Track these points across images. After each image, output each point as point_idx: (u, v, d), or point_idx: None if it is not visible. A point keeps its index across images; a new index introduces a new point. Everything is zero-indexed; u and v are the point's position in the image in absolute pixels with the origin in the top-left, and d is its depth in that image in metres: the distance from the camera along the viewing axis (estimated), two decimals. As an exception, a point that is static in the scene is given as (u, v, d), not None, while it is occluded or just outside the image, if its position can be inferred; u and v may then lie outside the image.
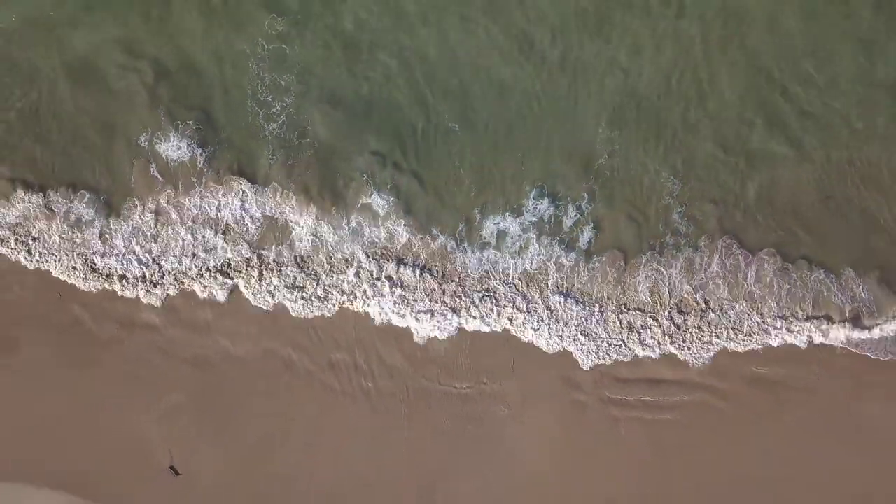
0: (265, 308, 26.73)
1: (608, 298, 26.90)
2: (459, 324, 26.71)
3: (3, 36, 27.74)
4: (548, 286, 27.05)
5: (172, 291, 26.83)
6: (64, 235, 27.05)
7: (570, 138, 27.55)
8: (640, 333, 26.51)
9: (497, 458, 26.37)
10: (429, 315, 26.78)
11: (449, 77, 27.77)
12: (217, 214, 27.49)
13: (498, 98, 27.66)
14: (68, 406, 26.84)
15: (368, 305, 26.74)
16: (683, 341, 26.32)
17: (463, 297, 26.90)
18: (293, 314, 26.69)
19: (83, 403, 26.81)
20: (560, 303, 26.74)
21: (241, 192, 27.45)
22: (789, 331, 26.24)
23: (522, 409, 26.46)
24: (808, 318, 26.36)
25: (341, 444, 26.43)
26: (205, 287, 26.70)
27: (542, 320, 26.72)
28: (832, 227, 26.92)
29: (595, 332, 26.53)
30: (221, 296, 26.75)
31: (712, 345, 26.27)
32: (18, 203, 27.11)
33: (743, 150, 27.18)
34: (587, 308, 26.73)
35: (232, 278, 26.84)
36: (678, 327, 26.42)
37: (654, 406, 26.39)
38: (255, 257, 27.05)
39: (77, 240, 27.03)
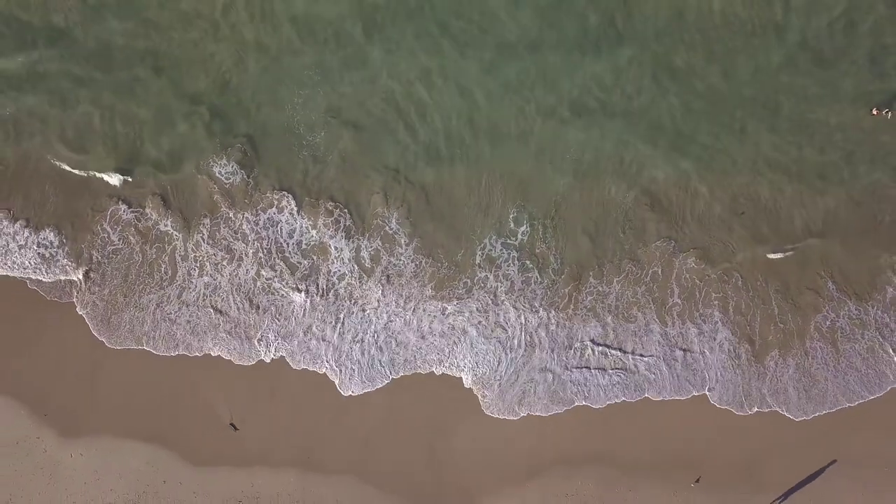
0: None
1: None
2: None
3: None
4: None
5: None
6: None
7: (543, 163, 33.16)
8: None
9: (481, 414, 32.43)
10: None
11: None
12: (264, 232, 32.81)
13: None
14: (155, 378, 32.15)
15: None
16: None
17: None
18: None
19: (165, 375, 32.18)
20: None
21: (285, 207, 32.67)
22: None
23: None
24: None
25: (364, 410, 32.25)
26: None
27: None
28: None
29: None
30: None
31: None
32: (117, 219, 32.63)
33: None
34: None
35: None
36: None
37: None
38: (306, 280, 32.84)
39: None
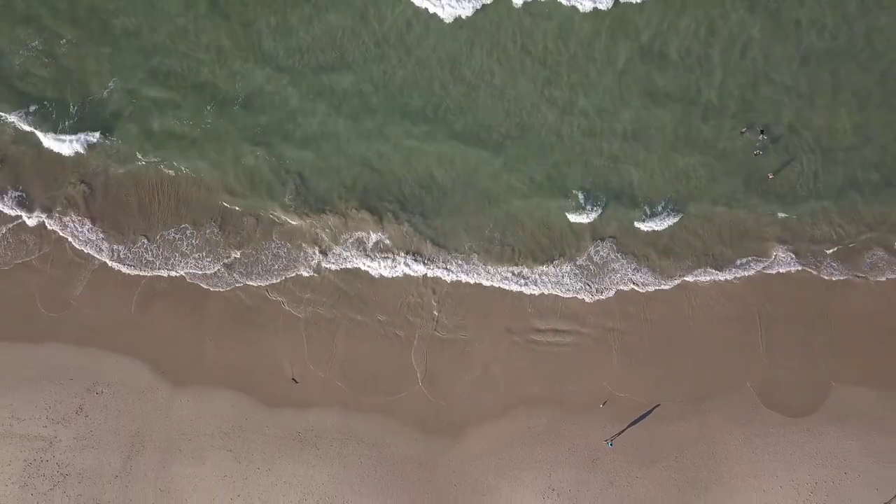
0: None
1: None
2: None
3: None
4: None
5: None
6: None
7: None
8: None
9: (470, 367, 43.70)
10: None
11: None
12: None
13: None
14: (234, 342, 42.58)
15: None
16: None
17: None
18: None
19: (247, 346, 42.70)
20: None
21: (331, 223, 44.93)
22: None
23: (484, 343, 44.07)
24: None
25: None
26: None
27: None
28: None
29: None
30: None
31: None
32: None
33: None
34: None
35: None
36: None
37: (556, 342, 43.74)
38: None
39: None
